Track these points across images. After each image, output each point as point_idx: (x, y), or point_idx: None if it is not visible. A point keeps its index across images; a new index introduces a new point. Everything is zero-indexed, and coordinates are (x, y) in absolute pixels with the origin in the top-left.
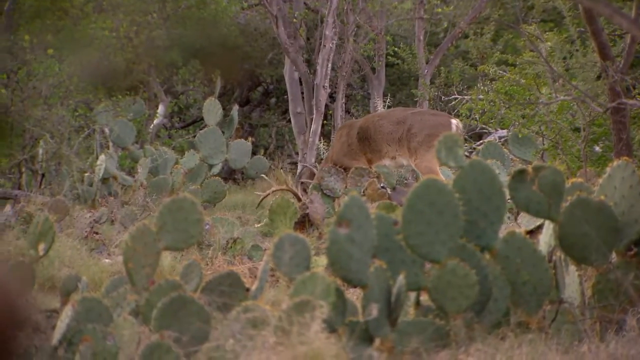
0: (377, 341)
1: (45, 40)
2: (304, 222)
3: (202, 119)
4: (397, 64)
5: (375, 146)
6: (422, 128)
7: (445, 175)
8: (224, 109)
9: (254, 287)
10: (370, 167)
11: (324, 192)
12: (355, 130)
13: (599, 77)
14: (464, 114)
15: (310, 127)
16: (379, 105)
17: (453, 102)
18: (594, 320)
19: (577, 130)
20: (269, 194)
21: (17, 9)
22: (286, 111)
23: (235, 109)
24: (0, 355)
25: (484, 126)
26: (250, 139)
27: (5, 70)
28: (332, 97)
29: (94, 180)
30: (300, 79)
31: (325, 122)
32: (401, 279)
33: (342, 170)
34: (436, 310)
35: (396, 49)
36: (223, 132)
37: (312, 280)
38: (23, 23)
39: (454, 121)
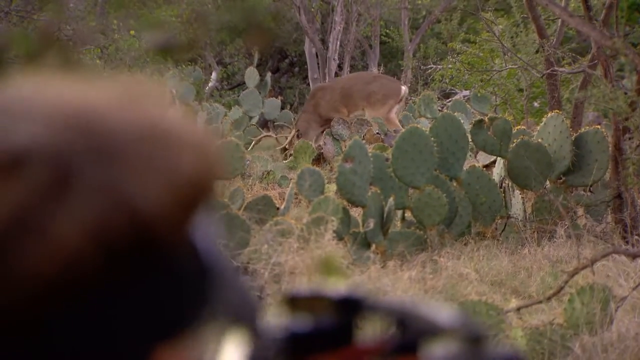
0: (373, 246)
1: (128, 24)
2: (319, 159)
3: (244, 83)
4: (388, 42)
5: (353, 101)
6: (381, 89)
7: (423, 124)
8: (260, 75)
9: (282, 207)
10: (348, 116)
11: (334, 136)
12: (337, 90)
13: (537, 51)
14: (437, 79)
15: None
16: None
17: (429, 70)
18: (533, 230)
19: (521, 90)
20: (260, 139)
21: (107, 1)
22: (306, 77)
23: (268, 75)
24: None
25: (452, 88)
26: (279, 97)
27: (99, 46)
28: (339, 67)
29: None
30: (316, 53)
31: None
32: (391, 200)
33: (325, 120)
34: (417, 223)
35: (387, 31)
36: (259, 93)
37: (325, 202)
38: (112, 11)
39: (403, 87)
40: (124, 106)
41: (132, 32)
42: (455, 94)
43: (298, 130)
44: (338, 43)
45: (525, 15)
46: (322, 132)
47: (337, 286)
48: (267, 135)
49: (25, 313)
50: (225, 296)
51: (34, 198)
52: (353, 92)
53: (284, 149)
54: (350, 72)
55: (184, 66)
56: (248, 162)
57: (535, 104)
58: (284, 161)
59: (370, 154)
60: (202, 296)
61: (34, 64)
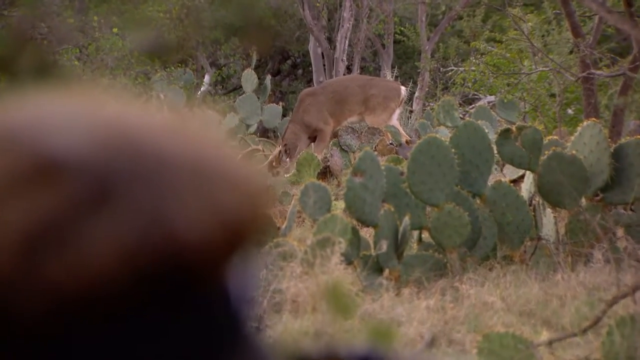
0: (386, 271)
1: (111, 21)
2: (326, 173)
3: (241, 87)
4: (403, 41)
5: (348, 106)
6: (380, 91)
7: (442, 134)
8: (259, 78)
9: (283, 226)
10: (337, 126)
11: (342, 147)
12: (328, 95)
13: (571, 52)
14: (458, 83)
15: None
16: (387, 76)
17: (450, 73)
18: (567, 254)
19: (553, 96)
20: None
21: None
22: (310, 80)
23: (268, 79)
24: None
25: (475, 93)
26: (280, 103)
27: (78, 46)
28: (348, 69)
29: None
30: (322, 53)
31: None
32: (406, 219)
33: (313, 131)
34: (435, 245)
35: (402, 28)
36: (258, 98)
37: (332, 221)
38: (92, 6)
39: (403, 88)
40: (176, 135)
41: (115, 30)
42: (479, 99)
43: (285, 145)
44: (347, 42)
45: (558, 11)
46: (310, 142)
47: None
48: (255, 149)
49: (40, 325)
50: (244, 354)
51: (66, 208)
52: (347, 95)
53: (271, 167)
54: (360, 74)
55: (173, 68)
56: None
57: (569, 111)
58: (285, 175)
59: (382, 167)
60: (222, 346)
61: (4, 67)
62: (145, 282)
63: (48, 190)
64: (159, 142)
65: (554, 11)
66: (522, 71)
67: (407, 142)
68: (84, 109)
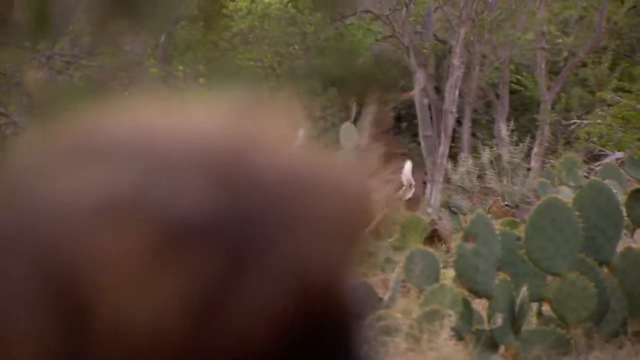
0: (502, 348)
1: (196, 70)
2: (433, 237)
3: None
4: (520, 90)
5: None
6: None
7: (565, 195)
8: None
9: (386, 297)
10: None
11: (451, 209)
12: None
13: None
14: (582, 137)
15: (439, 150)
16: (502, 130)
17: (572, 127)
18: None
19: None
20: None
21: (171, 42)
22: (416, 134)
23: None
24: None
25: (601, 148)
26: None
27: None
28: (459, 122)
29: None
30: (429, 104)
31: (452, 144)
32: (524, 290)
33: None
34: (557, 319)
35: (519, 77)
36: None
37: (441, 291)
38: (177, 55)
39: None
40: (259, 143)
41: (201, 80)
42: (606, 156)
43: None
44: (457, 92)
45: None
46: None
47: None
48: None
49: None
50: None
51: (204, 280)
52: None
53: None
54: (471, 127)
55: None
56: None
57: None
58: (389, 239)
59: (497, 232)
60: None
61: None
62: (291, 338)
63: (181, 265)
64: (263, 167)
65: None
66: None
67: (528, 201)
68: (192, 158)
